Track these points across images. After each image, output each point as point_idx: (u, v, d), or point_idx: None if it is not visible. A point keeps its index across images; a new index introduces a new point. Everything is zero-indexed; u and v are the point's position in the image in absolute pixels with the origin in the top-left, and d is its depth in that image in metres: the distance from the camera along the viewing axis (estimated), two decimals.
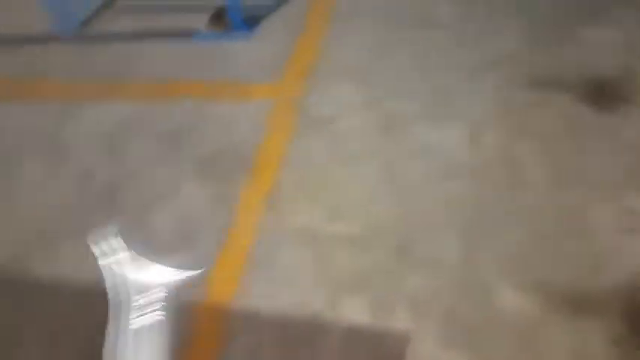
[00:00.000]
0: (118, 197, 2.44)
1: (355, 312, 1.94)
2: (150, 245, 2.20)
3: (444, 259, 2.08)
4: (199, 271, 2.07)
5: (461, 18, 3.11)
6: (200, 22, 3.32)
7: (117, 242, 2.18)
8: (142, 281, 2.04)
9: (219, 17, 3.30)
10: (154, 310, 1.96)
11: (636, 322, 1.85)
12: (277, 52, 3.09)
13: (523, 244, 2.10)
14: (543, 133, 2.49)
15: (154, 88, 2.98)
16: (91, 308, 1.99)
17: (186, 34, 3.29)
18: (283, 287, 2.04)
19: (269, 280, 2.07)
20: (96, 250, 2.17)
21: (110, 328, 1.90)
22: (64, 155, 2.66)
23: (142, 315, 1.95)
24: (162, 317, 1.94)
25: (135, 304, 1.97)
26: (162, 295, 2.00)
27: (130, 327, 1.92)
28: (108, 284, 2.04)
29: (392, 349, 1.85)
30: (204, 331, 1.96)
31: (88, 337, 1.92)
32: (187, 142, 2.64)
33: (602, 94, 2.60)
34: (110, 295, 2.00)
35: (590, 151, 2.40)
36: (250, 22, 3.29)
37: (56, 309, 2.05)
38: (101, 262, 2.13)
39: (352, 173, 2.43)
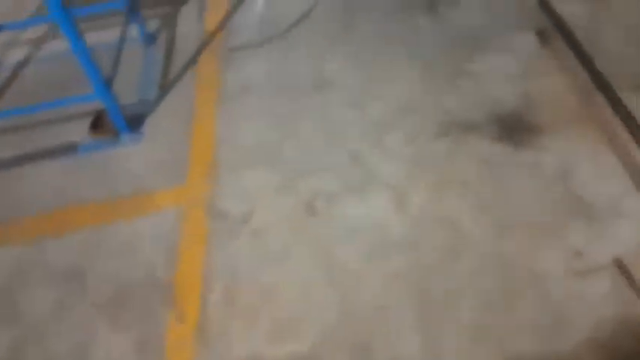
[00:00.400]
0: None
1: None
2: None
3: (408, 355, 1.90)
4: None
5: (354, 73, 3.00)
6: (80, 131, 3.00)
7: None
8: None
9: (100, 122, 3.00)
10: None
11: None
12: (173, 148, 2.84)
13: (480, 314, 1.97)
14: (467, 182, 2.40)
15: (41, 223, 2.63)
16: None
17: (68, 150, 2.96)
18: None
19: None
20: None
21: None
22: None
23: None
24: None
25: None
26: None
27: None
28: None
29: None
30: None
31: None
32: (92, 281, 2.32)
33: (513, 128, 2.56)
34: None
35: (519, 191, 2.32)
36: (135, 121, 3.01)
37: None
38: None
39: (285, 274, 2.21)
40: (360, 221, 2.33)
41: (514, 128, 2.55)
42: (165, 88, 3.21)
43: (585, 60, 2.66)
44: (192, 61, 3.34)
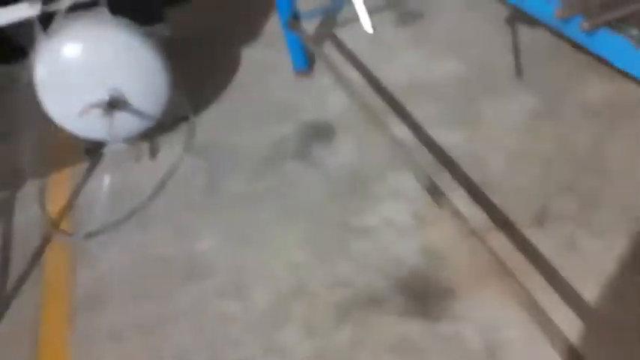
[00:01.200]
0: None
1: None
2: None
3: None
4: None
5: (228, 249, 2.57)
6: None
7: None
8: None
9: None
10: None
11: None
12: None
13: None
14: None
15: None
16: None
17: None
18: None
19: None
20: None
21: None
22: None
23: None
24: None
25: None
26: None
27: None
28: None
29: None
30: None
31: None
32: None
33: (421, 295, 2.21)
34: None
35: None
36: None
37: None
38: None
39: None
40: None
41: (422, 295, 2.21)
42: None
43: (479, 198, 2.42)
44: (35, 259, 2.76)
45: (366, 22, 2.11)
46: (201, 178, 2.94)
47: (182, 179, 2.97)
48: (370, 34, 3.01)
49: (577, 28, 1.20)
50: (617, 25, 1.20)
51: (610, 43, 1.20)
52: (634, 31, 1.20)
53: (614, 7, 1.21)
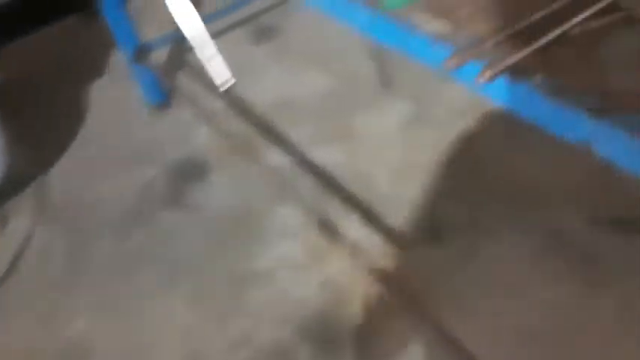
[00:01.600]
0: None
1: None
2: None
3: None
4: None
5: (107, 325, 2.24)
6: None
7: None
8: None
9: None
10: None
11: None
12: None
13: None
14: None
15: None
16: None
17: None
18: None
19: None
20: None
21: None
22: None
23: None
24: None
25: None
26: None
27: None
28: None
29: None
30: None
31: None
32: None
33: (331, 341, 2.05)
34: None
35: None
36: None
37: None
38: None
39: None
40: None
41: (331, 340, 2.05)
42: None
43: (372, 221, 2.31)
44: None
45: (221, 75, 1.84)
46: (61, 247, 2.55)
47: (39, 251, 2.56)
48: (229, 54, 2.80)
49: (473, 78, 1.07)
50: (518, 69, 1.08)
51: (515, 94, 1.08)
52: (537, 77, 1.08)
53: (513, 47, 1.09)
